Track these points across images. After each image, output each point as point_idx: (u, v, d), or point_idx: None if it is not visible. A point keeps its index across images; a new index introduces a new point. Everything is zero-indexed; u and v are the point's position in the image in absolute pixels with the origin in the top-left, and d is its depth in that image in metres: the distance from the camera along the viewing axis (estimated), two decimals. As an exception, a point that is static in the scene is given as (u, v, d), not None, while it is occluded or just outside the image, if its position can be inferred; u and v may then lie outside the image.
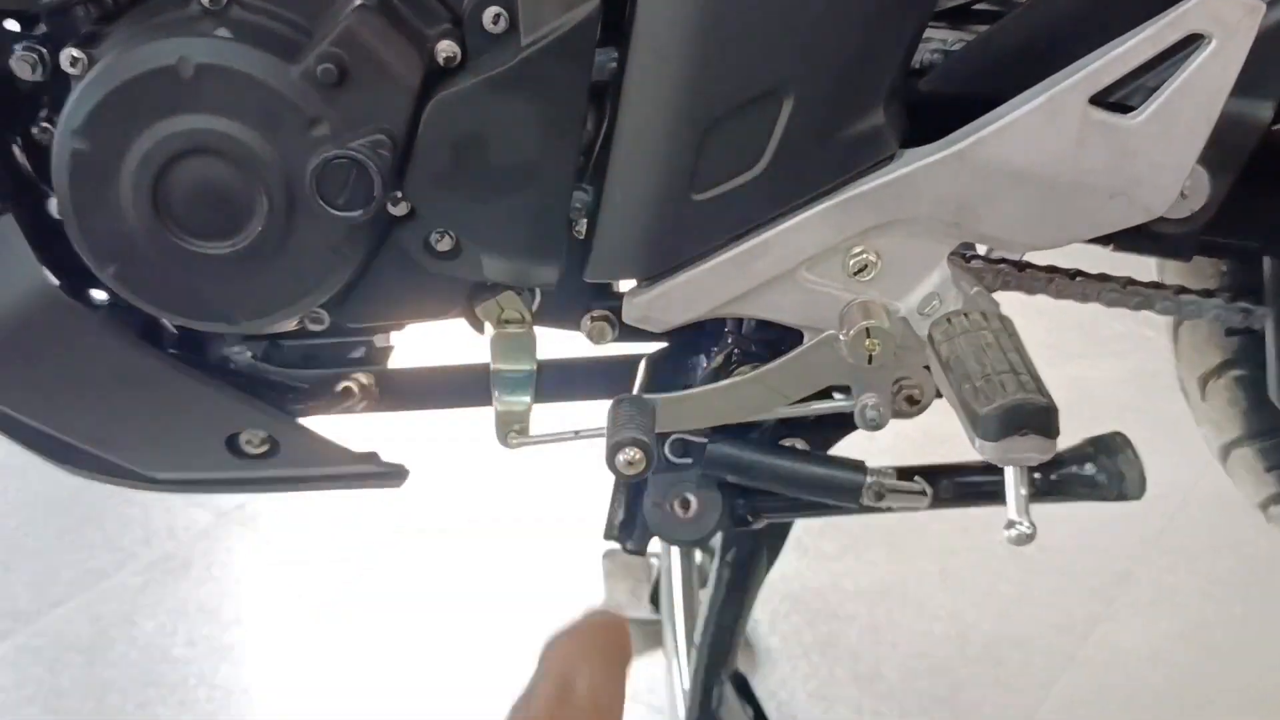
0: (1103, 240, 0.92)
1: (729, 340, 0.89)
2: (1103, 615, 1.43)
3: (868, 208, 0.78)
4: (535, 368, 0.88)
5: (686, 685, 1.20)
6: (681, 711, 1.16)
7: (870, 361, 0.81)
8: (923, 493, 0.86)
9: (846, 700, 1.31)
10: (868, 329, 0.80)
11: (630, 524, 0.93)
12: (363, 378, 0.98)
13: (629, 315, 0.85)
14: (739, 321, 0.89)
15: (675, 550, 1.38)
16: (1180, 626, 1.42)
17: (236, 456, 0.91)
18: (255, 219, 0.78)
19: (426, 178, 0.78)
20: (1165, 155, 0.75)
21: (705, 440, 0.88)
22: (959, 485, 0.91)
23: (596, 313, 0.93)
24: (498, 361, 0.88)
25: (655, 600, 1.42)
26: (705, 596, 1.07)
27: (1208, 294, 0.95)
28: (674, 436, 0.88)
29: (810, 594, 1.45)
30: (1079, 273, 0.95)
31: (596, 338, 0.93)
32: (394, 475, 0.96)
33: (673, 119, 0.76)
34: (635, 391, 0.91)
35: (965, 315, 0.78)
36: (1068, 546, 1.53)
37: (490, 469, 1.61)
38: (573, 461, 1.44)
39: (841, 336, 0.81)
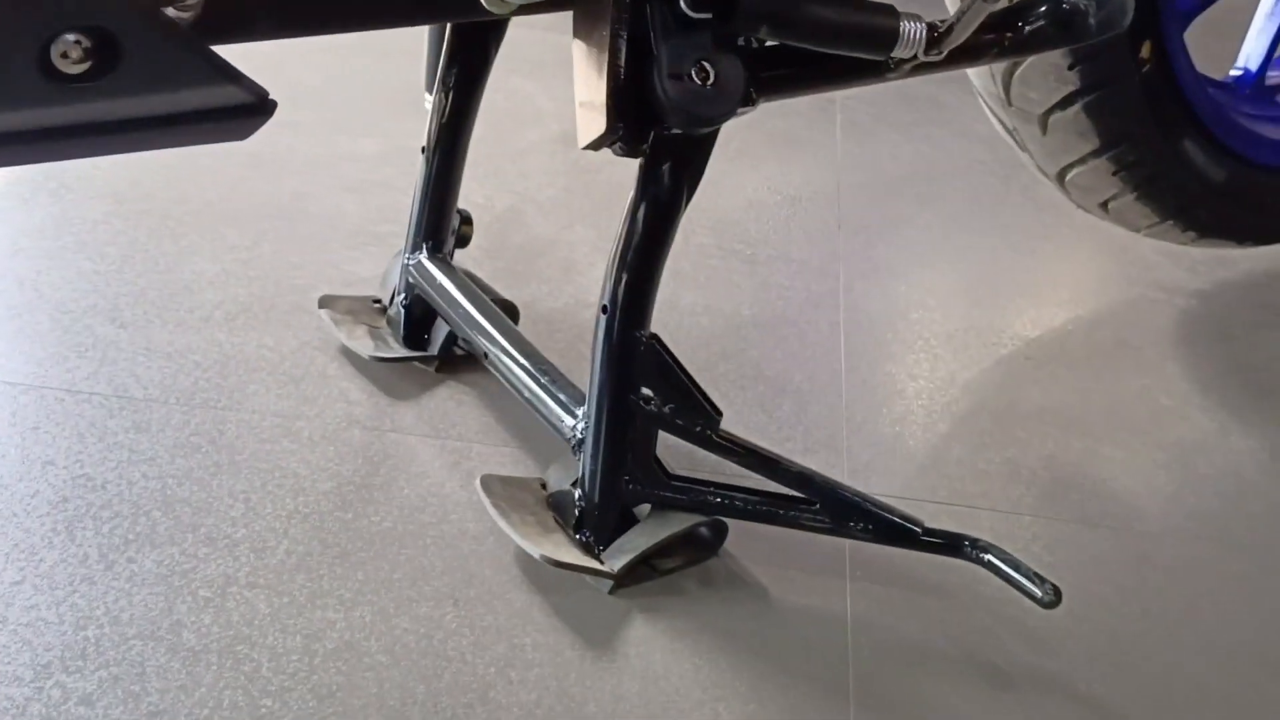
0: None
1: None
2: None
3: None
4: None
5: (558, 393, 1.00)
6: (570, 423, 0.96)
7: None
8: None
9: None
10: None
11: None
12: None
13: None
14: None
15: (428, 259, 1.15)
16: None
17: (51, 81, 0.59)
18: None
19: None
20: None
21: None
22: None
23: None
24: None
25: (410, 340, 1.17)
26: (613, 244, 0.87)
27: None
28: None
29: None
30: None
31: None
32: (257, 110, 0.68)
33: None
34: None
35: None
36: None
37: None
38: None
39: None
